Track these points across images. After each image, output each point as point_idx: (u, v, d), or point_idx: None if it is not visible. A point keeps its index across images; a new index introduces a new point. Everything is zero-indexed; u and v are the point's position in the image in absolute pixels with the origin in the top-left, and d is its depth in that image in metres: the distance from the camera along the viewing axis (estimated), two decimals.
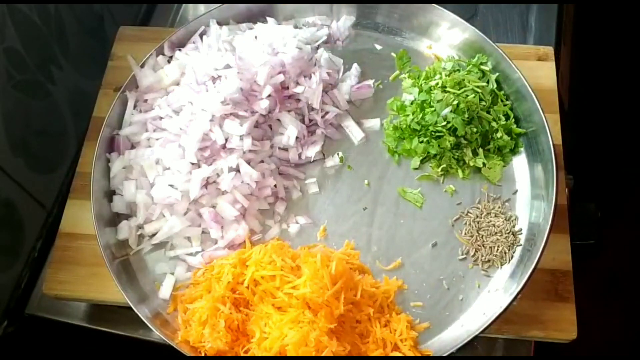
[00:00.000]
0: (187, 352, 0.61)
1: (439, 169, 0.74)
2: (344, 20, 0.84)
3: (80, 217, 0.72)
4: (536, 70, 0.79)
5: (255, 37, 0.78)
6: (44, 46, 0.77)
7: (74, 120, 0.84)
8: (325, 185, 0.74)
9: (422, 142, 0.74)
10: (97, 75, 0.83)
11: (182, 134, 0.70)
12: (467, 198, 0.73)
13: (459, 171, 0.74)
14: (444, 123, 0.72)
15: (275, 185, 0.72)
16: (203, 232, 0.70)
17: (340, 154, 0.76)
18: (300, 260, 0.65)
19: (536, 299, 0.66)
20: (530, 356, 0.68)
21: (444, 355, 0.62)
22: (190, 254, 0.69)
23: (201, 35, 0.80)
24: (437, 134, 0.73)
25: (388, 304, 0.66)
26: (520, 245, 0.69)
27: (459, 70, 0.77)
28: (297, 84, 0.75)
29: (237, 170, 0.69)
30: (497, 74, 0.76)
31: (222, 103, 0.69)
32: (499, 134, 0.73)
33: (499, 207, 0.72)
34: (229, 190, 0.69)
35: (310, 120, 0.76)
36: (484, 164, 0.73)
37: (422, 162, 0.75)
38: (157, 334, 0.62)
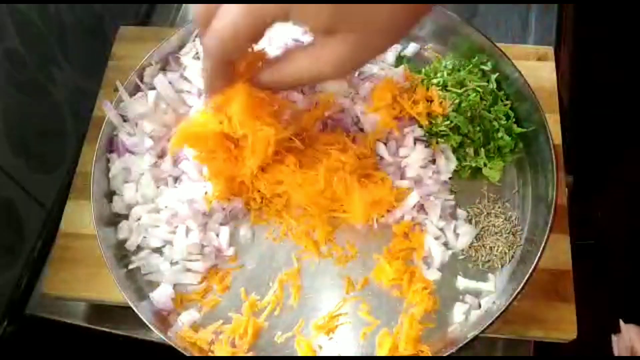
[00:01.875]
0: (187, 352, 0.61)
1: None
2: None
3: (80, 217, 0.72)
4: (536, 70, 0.79)
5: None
6: (44, 46, 0.77)
7: (74, 120, 0.84)
8: None
9: None
10: (97, 75, 0.83)
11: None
12: (467, 198, 0.73)
13: (460, 171, 0.74)
14: (447, 122, 0.72)
15: None
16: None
17: None
18: None
19: (536, 298, 0.66)
20: (530, 356, 0.68)
21: (444, 355, 0.62)
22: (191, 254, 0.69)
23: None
24: (441, 132, 0.73)
25: None
26: (520, 245, 0.69)
27: (459, 70, 0.77)
28: None
29: None
30: (497, 74, 0.76)
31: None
32: (499, 134, 0.73)
33: (499, 207, 0.72)
34: None
35: None
36: (484, 164, 0.73)
37: None
38: (157, 334, 0.62)
